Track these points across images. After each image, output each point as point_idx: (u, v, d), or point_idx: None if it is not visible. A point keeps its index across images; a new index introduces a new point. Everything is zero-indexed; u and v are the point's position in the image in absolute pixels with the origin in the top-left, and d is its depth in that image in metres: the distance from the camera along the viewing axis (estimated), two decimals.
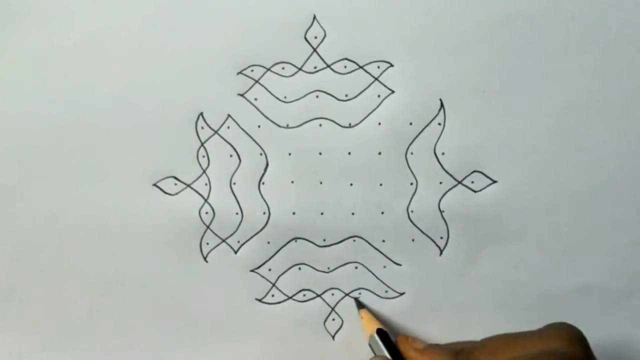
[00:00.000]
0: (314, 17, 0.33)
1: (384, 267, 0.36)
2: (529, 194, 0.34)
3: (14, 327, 0.37)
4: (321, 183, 0.35)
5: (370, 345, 0.34)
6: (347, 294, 0.36)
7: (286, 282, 0.36)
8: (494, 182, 0.34)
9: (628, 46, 0.33)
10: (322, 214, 0.35)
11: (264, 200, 0.35)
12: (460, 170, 0.34)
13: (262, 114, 0.35)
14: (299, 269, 0.36)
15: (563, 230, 0.35)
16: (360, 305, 0.36)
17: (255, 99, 0.34)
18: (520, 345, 0.28)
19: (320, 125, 0.35)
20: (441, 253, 0.35)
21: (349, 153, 0.35)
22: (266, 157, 0.35)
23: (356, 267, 0.36)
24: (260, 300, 0.36)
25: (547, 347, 0.27)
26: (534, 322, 0.31)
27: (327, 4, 0.33)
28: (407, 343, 0.33)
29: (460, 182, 0.35)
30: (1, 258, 0.36)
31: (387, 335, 0.34)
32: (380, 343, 0.33)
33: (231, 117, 0.35)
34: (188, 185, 0.35)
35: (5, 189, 0.35)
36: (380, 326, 0.34)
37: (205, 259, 0.36)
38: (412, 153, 0.35)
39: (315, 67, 0.34)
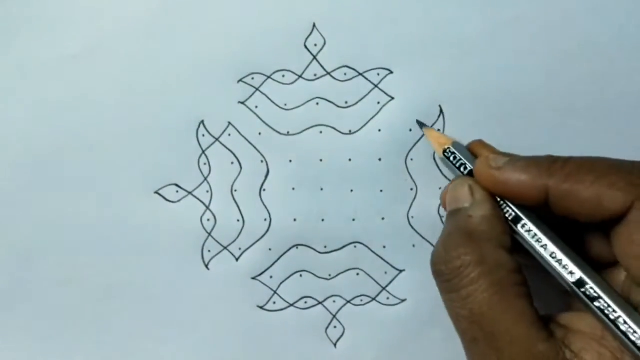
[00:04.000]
0: (314, 25, 0.34)
1: (385, 273, 0.36)
2: None
3: (15, 334, 0.36)
4: (322, 190, 0.35)
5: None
6: (348, 301, 0.36)
7: (288, 289, 0.36)
8: None
9: (629, 49, 0.33)
10: (323, 220, 0.35)
11: (265, 207, 0.35)
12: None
13: (263, 121, 0.35)
14: (300, 276, 0.36)
15: None
16: (421, 124, 0.34)
17: (256, 107, 0.35)
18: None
19: (321, 132, 0.35)
20: None
21: (350, 160, 0.35)
22: (267, 164, 0.35)
23: (357, 274, 0.36)
24: (261, 308, 0.36)
25: None
26: None
27: (327, 11, 0.34)
28: (483, 147, 0.31)
29: None
30: (2, 265, 0.36)
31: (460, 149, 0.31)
32: (461, 153, 0.31)
33: (232, 124, 0.35)
34: (190, 193, 0.35)
35: (6, 196, 0.35)
36: (450, 142, 0.31)
37: (206, 266, 0.36)
38: (412, 159, 0.35)
39: (315, 75, 0.34)
